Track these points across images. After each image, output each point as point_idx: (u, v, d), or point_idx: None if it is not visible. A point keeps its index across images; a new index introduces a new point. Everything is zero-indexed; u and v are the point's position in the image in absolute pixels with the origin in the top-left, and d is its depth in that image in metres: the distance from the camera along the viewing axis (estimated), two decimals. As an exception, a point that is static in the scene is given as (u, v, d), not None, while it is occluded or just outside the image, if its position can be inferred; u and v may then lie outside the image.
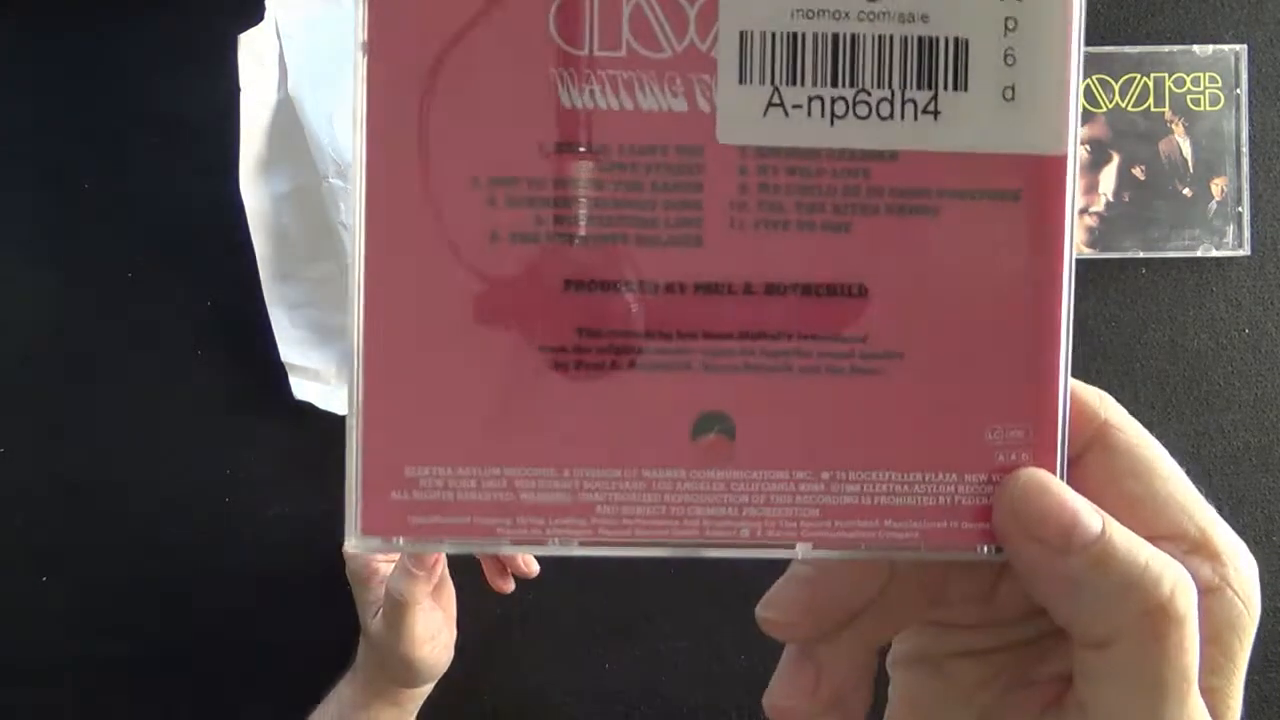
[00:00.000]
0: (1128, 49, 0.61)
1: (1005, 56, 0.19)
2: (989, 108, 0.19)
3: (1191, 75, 0.61)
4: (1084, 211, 0.61)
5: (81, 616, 0.61)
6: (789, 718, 0.22)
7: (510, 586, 0.59)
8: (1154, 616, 0.18)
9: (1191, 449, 0.62)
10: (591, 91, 0.19)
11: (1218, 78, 0.61)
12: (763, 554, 0.20)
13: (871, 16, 0.19)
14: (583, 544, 0.20)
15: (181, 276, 0.61)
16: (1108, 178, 0.61)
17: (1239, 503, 0.62)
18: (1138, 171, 0.61)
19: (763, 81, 0.19)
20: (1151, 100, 0.61)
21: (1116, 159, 0.61)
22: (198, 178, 0.60)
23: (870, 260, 0.20)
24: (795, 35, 0.19)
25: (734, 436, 0.20)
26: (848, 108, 0.19)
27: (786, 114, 0.19)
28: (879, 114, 0.19)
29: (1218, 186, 0.61)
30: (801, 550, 0.20)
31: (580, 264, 0.19)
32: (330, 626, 0.57)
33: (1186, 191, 0.61)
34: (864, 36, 0.19)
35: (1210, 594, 0.19)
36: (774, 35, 0.19)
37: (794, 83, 0.19)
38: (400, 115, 0.19)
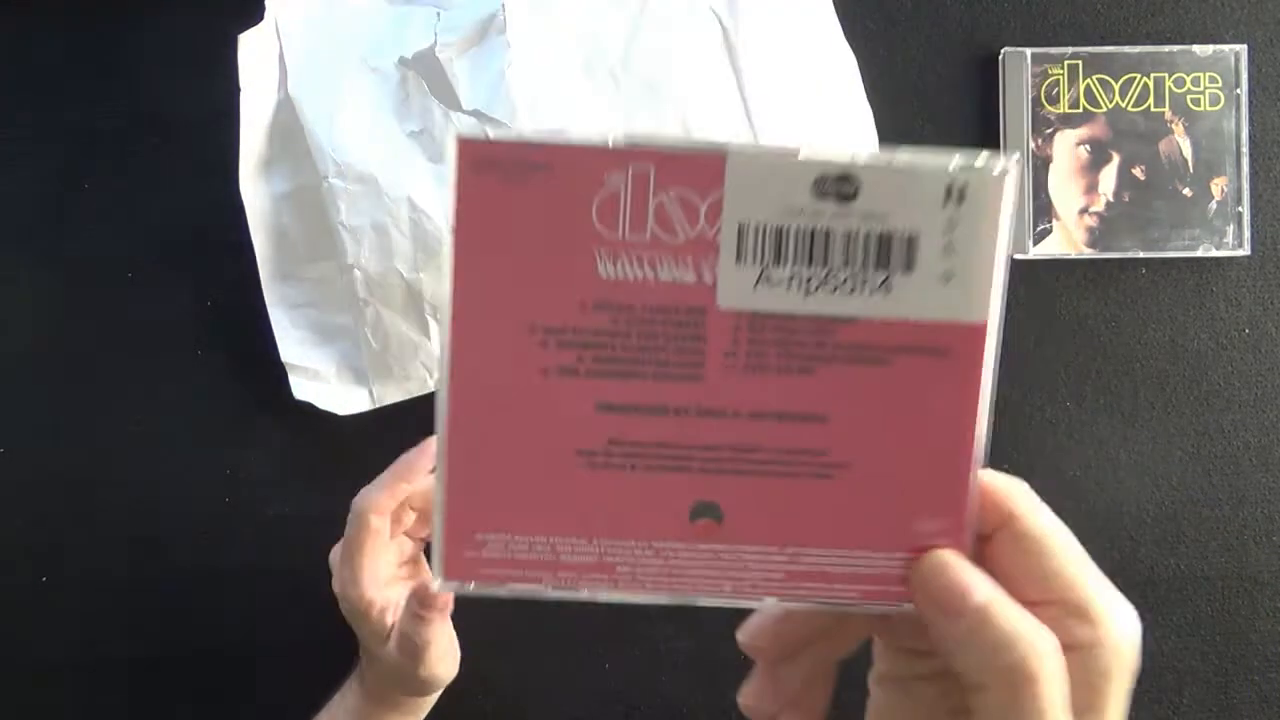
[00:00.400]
0: (1128, 49, 0.61)
1: (946, 248, 0.25)
2: (930, 286, 0.25)
3: (1191, 75, 0.61)
4: (1084, 211, 0.61)
5: (81, 616, 0.61)
6: (755, 714, 0.30)
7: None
8: (1015, 672, 0.24)
9: (1191, 449, 0.62)
10: (622, 265, 0.25)
11: (1218, 78, 0.61)
12: (740, 604, 0.27)
13: (843, 215, 0.25)
14: (607, 592, 0.27)
15: (181, 276, 0.61)
16: (1108, 178, 0.61)
17: (1239, 503, 0.62)
18: (1138, 171, 0.61)
19: (755, 262, 0.25)
20: (1151, 100, 0.61)
21: (1116, 159, 0.61)
22: (198, 178, 0.60)
23: (832, 397, 0.26)
24: (782, 228, 0.25)
25: (721, 520, 0.26)
26: (820, 284, 0.25)
27: (772, 287, 0.25)
28: (844, 289, 0.25)
29: (1218, 186, 0.61)
30: (769, 603, 0.27)
31: (610, 392, 0.26)
32: (330, 627, 0.56)
33: (1186, 191, 0.61)
34: (836, 230, 0.25)
35: (1084, 649, 0.25)
36: (765, 227, 0.25)
37: (779, 263, 0.25)
38: (478, 278, 0.25)
